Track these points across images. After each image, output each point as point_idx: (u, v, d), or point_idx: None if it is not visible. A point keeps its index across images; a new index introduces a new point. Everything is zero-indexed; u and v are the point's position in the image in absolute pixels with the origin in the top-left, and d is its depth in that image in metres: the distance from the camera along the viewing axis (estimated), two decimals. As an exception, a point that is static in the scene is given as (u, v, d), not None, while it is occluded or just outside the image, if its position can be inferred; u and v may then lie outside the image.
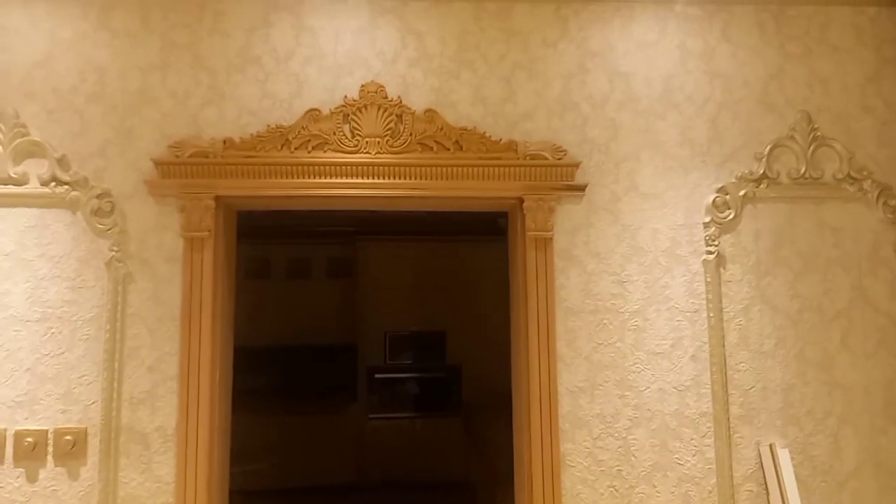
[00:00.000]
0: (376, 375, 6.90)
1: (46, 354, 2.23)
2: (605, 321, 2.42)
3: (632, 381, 2.40)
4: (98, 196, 2.31)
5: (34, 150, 2.31)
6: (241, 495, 2.55)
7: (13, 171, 2.29)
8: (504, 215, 2.71)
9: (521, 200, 2.44)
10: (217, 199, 2.34)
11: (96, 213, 2.31)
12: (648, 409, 2.39)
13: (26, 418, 2.19)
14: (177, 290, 2.30)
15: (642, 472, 2.36)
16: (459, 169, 2.40)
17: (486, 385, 6.80)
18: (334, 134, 2.38)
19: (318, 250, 6.96)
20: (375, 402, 6.84)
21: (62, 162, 2.31)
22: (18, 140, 2.29)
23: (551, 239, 2.43)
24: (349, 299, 6.97)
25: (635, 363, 2.41)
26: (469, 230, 6.77)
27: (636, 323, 2.42)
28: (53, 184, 2.30)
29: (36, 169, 2.31)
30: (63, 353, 2.23)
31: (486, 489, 5.24)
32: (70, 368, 2.23)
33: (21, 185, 2.30)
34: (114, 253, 2.29)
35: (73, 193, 2.30)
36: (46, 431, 2.19)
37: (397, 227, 6.66)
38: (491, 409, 6.06)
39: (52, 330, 2.24)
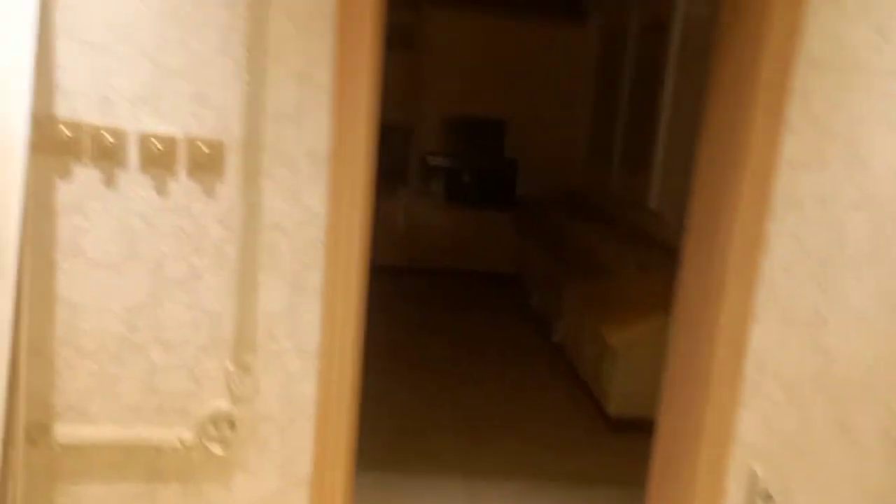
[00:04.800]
0: (429, 161, 6.53)
1: (170, 41, 1.75)
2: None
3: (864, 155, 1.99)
4: None
5: None
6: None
7: None
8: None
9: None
10: None
11: None
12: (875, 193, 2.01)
13: (151, 117, 1.77)
14: (324, -19, 1.77)
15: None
16: None
17: (545, 181, 6.50)
18: None
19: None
20: (426, 189, 6.53)
21: None
22: None
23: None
24: (409, 75, 6.35)
25: (877, 135, 1.98)
26: (547, 8, 5.99)
27: (891, 87, 1.96)
28: None
29: None
30: (190, 42, 1.75)
31: (545, 281, 5.12)
32: (202, 63, 1.76)
33: None
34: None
35: None
36: (174, 138, 1.79)
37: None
38: (555, 204, 5.80)
39: (176, 8, 1.74)
